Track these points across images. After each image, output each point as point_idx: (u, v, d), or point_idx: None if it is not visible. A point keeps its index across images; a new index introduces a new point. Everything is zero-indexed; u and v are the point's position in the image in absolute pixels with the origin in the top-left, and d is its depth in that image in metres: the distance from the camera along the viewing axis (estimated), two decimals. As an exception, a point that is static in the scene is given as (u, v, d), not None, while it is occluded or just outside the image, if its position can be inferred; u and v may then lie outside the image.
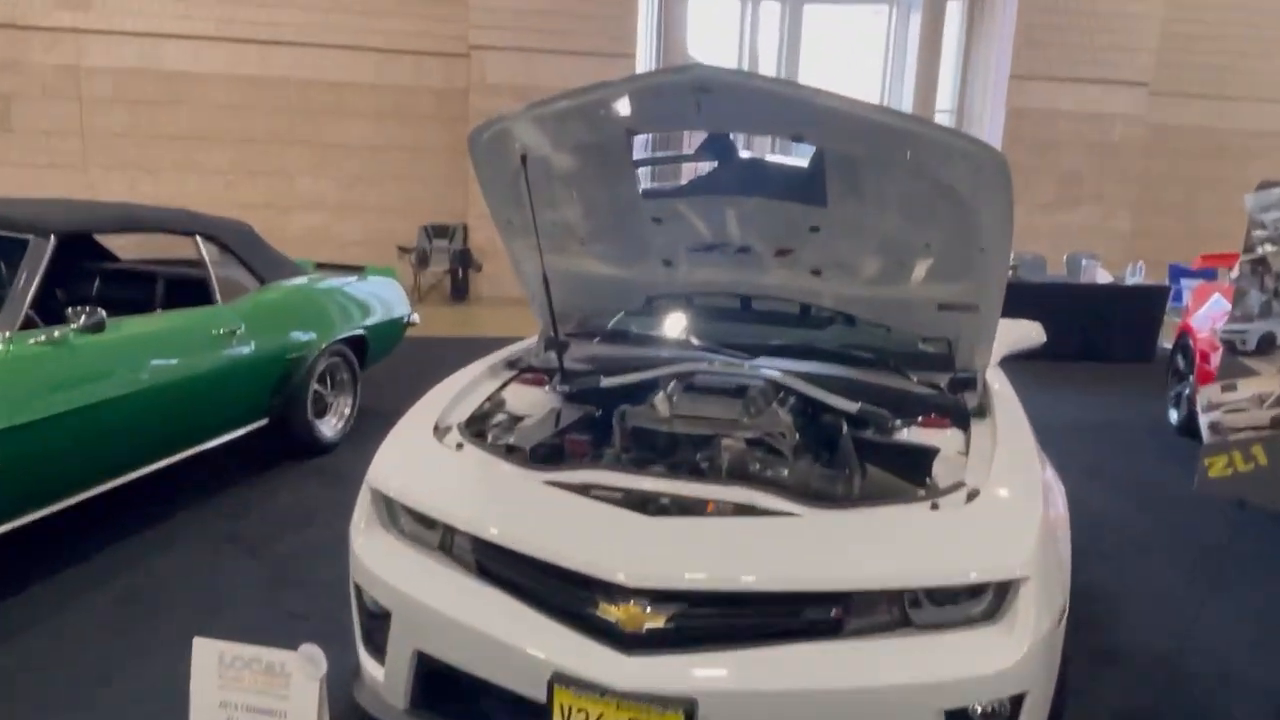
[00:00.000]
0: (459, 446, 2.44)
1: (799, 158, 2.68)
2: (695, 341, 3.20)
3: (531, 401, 2.96)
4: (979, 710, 1.87)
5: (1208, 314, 5.84)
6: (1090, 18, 11.59)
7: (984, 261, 2.54)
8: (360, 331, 5.03)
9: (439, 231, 11.61)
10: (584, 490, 2.18)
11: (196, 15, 10.76)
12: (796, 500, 2.11)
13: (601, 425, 2.75)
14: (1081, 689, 2.73)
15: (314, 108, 11.29)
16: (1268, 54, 12.40)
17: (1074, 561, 2.25)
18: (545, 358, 3.15)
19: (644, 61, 11.88)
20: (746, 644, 1.88)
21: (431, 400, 2.74)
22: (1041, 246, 9.94)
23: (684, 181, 3.00)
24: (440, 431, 2.54)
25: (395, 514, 2.32)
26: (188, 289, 4.33)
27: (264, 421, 4.47)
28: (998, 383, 2.94)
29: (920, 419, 2.68)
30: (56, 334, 3.25)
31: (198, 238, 4.20)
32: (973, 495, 2.11)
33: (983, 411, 2.67)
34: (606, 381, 2.87)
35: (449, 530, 2.18)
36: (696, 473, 2.38)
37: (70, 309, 3.30)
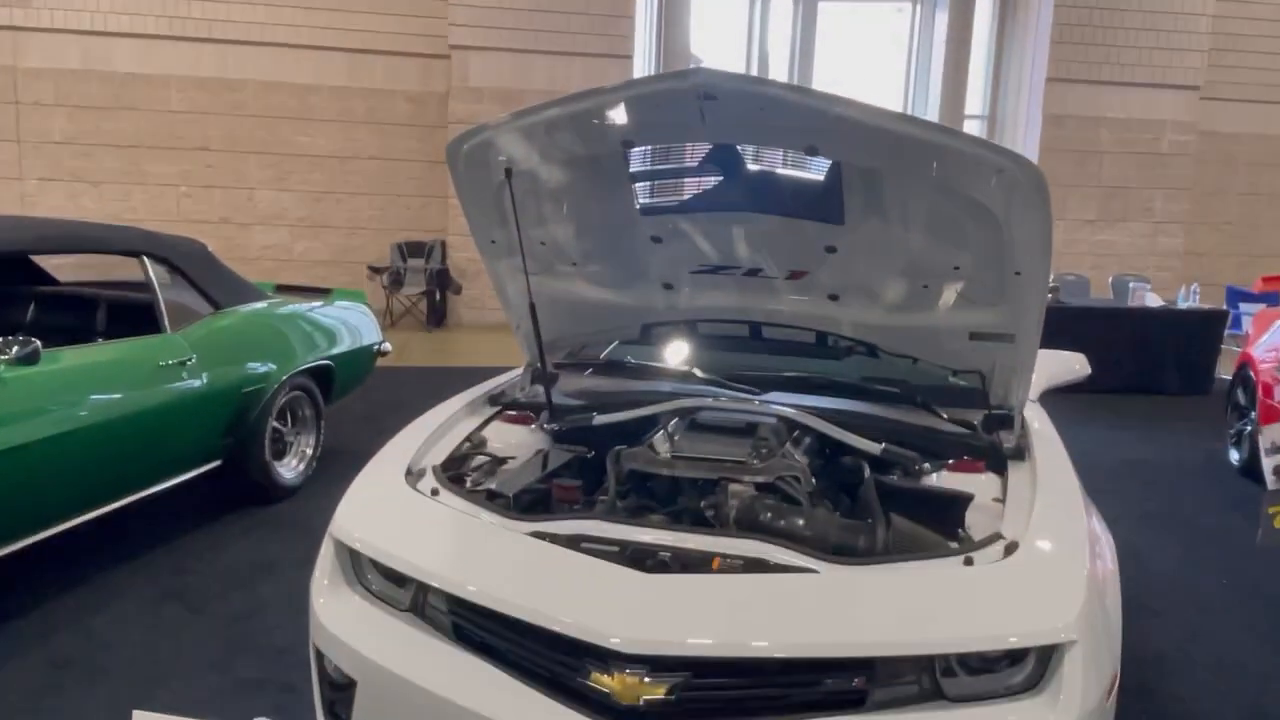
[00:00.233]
0: (434, 493, 2.43)
1: (814, 171, 2.69)
2: (699, 374, 3.20)
3: (516, 442, 2.95)
4: (1020, 794, 1.84)
5: (1270, 342, 5.86)
6: (1135, 15, 11.76)
7: (1020, 285, 2.56)
8: (325, 362, 5.04)
9: (414, 250, 11.68)
10: (574, 543, 2.16)
11: (147, 12, 10.91)
12: (813, 554, 2.10)
13: (594, 468, 2.74)
14: (1136, 768, 2.70)
15: (276, 113, 11.40)
16: (1330, 55, 12.59)
17: (1125, 622, 2.24)
18: (531, 392, 3.15)
19: (643, 64, 12.03)
20: (758, 719, 1.86)
21: (404, 440, 2.74)
22: (1084, 267, 10.04)
23: (686, 196, 3.01)
24: (413, 475, 2.53)
25: (362, 569, 2.31)
26: (133, 315, 4.34)
27: (216, 463, 4.46)
28: (1037, 420, 2.94)
29: (951, 461, 2.68)
30: (-15, 366, 3.25)
31: (145, 258, 4.21)
32: (1011, 548, 2.10)
33: (1021, 453, 2.67)
34: (599, 419, 2.87)
35: (422, 588, 2.17)
36: (701, 523, 2.38)
37: (0, 338, 3.30)
